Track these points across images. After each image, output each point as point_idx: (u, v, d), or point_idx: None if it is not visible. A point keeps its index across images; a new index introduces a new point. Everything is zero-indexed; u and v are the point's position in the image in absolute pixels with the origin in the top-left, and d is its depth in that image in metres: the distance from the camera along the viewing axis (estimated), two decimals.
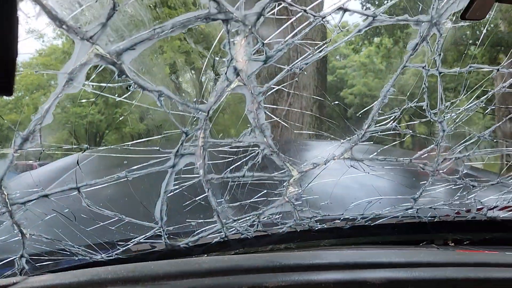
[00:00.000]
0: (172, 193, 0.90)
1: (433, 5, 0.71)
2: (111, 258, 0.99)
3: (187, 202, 0.98)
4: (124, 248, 0.99)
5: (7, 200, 0.78)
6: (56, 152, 0.88)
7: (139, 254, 1.02)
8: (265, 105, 0.77)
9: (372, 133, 0.88)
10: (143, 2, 0.62)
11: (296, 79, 0.81)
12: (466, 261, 0.81)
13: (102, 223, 0.93)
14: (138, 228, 0.99)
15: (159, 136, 0.80)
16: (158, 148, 0.82)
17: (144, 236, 0.99)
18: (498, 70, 0.86)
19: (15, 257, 0.91)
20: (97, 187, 0.84)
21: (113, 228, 0.96)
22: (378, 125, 0.87)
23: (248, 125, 0.81)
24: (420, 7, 0.73)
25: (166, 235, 1.00)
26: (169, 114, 0.74)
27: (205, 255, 1.04)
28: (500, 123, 1.08)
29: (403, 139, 1.00)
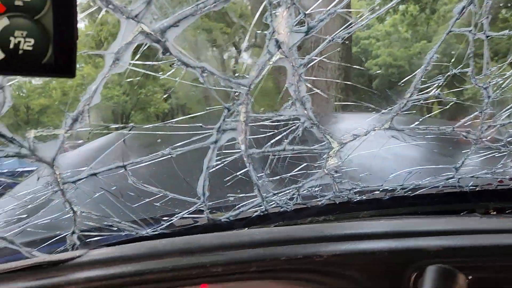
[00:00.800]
0: (214, 169, 0.92)
1: None
2: (155, 233, 1.02)
3: (228, 178, 1.00)
4: (168, 223, 1.02)
5: (59, 180, 0.80)
6: (101, 132, 0.90)
7: (182, 229, 1.05)
8: (306, 78, 0.77)
9: (414, 102, 0.86)
10: None
11: (338, 49, 0.79)
12: (487, 227, 0.79)
13: (147, 200, 0.96)
14: (181, 203, 1.01)
15: (202, 113, 0.81)
16: (200, 124, 0.83)
17: (187, 211, 1.01)
18: None
19: (67, 233, 0.94)
20: (142, 164, 0.86)
21: (157, 204, 0.99)
22: (420, 93, 0.85)
23: (289, 98, 0.81)
24: None
25: (208, 210, 1.02)
26: (211, 90, 0.74)
27: (246, 229, 1.06)
28: None
29: (445, 107, 0.97)
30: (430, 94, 0.85)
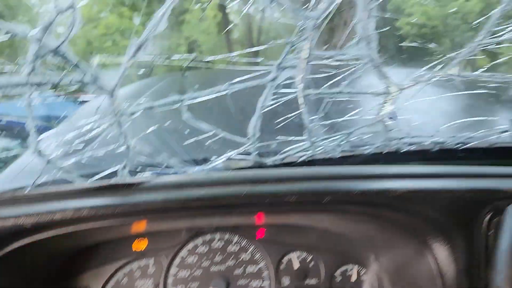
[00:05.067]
0: (268, 108, 0.90)
1: None
2: (203, 171, 1.02)
3: (280, 119, 0.98)
4: (216, 162, 1.02)
5: (117, 111, 0.80)
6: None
7: (229, 168, 1.05)
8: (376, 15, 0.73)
9: (485, 46, 0.82)
10: None
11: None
12: None
13: (199, 137, 0.95)
14: (230, 143, 1.01)
15: (264, 46, 0.78)
16: (260, 60, 0.80)
17: (236, 151, 1.01)
18: None
19: (119, 167, 0.96)
20: (198, 100, 0.85)
21: (207, 143, 0.99)
22: (493, 36, 0.80)
23: (354, 36, 0.77)
24: None
25: (256, 152, 1.02)
26: (277, 22, 0.71)
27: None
28: None
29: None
30: (504, 37, 0.80)
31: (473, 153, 1.13)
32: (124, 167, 0.97)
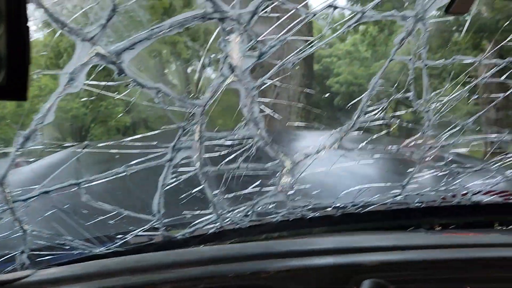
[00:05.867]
0: (169, 186, 0.93)
1: (419, 1, 0.74)
2: (109, 251, 1.01)
3: (184, 195, 1.01)
4: (123, 241, 1.02)
5: (8, 198, 0.79)
6: (54, 150, 0.89)
7: (136, 246, 1.05)
8: (258, 100, 0.80)
9: (362, 124, 0.91)
10: (141, 3, 0.63)
11: (290, 73, 0.84)
12: (451, 243, 0.85)
13: (101, 217, 0.95)
14: (136, 221, 1.01)
15: (157, 131, 0.82)
16: (155, 143, 0.84)
17: (142, 228, 1.02)
18: (479, 62, 0.90)
19: (16, 253, 0.92)
20: (96, 182, 0.86)
21: (111, 222, 0.98)
22: (367, 115, 0.90)
23: (242, 118, 0.84)
24: (406, 3, 0.76)
25: (164, 227, 1.03)
26: (167, 110, 0.76)
27: (201, 246, 1.07)
28: (483, 111, 1.12)
29: (391, 129, 1.03)
30: (376, 116, 0.91)
31: (373, 216, 1.21)
32: (22, 252, 0.94)
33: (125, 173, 0.86)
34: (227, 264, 0.70)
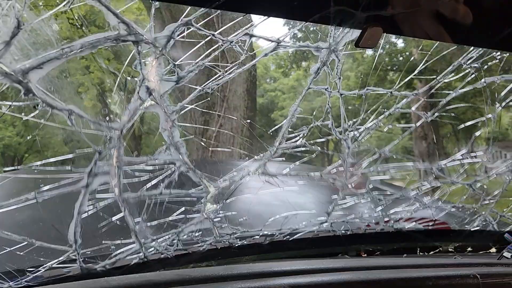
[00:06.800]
0: (86, 214, 0.89)
1: (331, 33, 0.78)
2: (20, 286, 0.94)
3: (103, 223, 0.97)
4: (34, 274, 0.95)
5: None
6: None
7: (51, 280, 0.98)
8: (179, 123, 0.80)
9: (284, 150, 0.93)
10: (49, 22, 0.62)
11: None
12: (373, 265, 0.88)
13: (9, 249, 0.88)
14: (51, 252, 0.95)
15: (70, 155, 0.79)
16: (69, 168, 0.80)
17: (57, 260, 0.95)
18: (391, 93, 0.96)
19: None
20: (4, 210, 0.80)
21: (21, 253, 0.92)
22: (288, 142, 0.93)
23: (163, 142, 0.83)
24: (319, 35, 0.80)
25: (82, 258, 0.97)
26: (81, 133, 0.74)
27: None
28: (397, 140, 1.19)
29: (312, 155, 1.06)
30: (298, 143, 0.93)
31: (301, 243, 1.22)
32: None
33: (35, 201, 0.81)
34: None
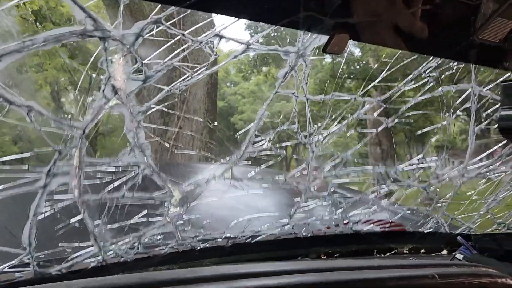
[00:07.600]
0: (43, 216, 0.85)
1: (299, 38, 0.79)
2: None
3: (61, 226, 0.93)
4: None
5: None
6: None
7: (2, 285, 0.93)
8: (145, 124, 0.78)
9: (250, 154, 0.93)
10: (10, 13, 0.59)
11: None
12: (330, 267, 0.89)
13: None
14: (3, 256, 0.90)
15: (28, 154, 0.75)
16: (27, 167, 0.77)
17: (8, 264, 0.90)
18: (355, 99, 0.99)
19: None
20: None
21: None
22: (255, 145, 0.93)
23: (128, 144, 0.81)
24: (288, 39, 0.81)
25: (36, 262, 0.93)
26: (40, 131, 0.70)
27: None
28: (358, 146, 1.22)
29: (277, 159, 1.07)
30: (264, 147, 0.94)
31: (264, 246, 1.23)
32: None
33: None
34: None
